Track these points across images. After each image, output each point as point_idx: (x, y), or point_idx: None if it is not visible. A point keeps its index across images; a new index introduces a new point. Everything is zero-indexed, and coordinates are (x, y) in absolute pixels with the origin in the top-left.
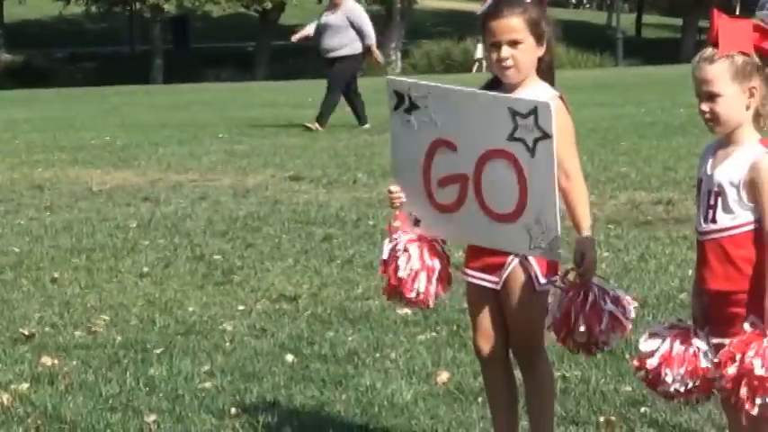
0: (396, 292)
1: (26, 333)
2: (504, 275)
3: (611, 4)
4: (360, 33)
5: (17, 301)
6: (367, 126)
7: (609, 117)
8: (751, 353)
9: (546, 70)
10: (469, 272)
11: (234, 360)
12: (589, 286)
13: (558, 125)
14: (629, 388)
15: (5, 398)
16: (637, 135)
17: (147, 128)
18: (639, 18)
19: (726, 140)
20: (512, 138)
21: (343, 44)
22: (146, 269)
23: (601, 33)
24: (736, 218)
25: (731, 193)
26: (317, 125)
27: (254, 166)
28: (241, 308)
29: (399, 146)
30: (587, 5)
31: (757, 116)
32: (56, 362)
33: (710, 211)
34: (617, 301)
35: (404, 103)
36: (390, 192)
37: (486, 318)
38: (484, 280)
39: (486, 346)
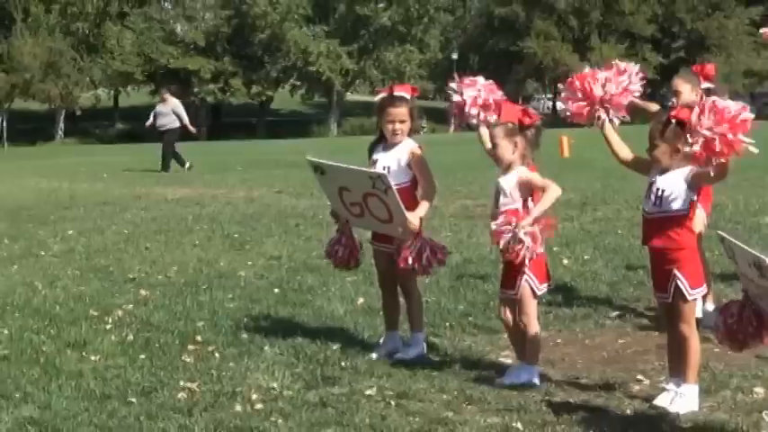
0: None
1: None
2: (395, 245)
3: None
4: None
5: None
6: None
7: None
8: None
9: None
10: (375, 243)
11: None
12: (419, 238)
13: (419, 159)
14: (462, 306)
15: None
16: (468, 168)
17: None
18: None
19: (503, 170)
20: (373, 187)
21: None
22: None
23: None
24: (509, 204)
25: (507, 190)
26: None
27: None
28: None
29: (326, 191)
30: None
31: (522, 156)
32: None
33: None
34: (434, 248)
35: (317, 171)
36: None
37: (383, 267)
38: (384, 247)
39: (385, 281)
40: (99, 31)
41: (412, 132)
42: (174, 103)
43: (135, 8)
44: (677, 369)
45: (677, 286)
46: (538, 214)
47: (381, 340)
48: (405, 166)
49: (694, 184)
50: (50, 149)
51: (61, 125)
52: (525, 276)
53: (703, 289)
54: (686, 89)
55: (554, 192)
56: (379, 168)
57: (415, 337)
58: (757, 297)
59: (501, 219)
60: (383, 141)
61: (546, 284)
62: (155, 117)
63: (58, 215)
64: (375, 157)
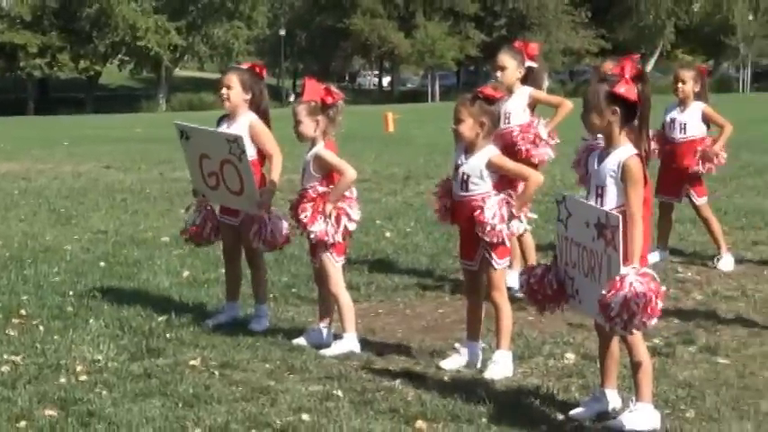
0: (193, 236)
1: None
2: (241, 218)
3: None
4: None
5: None
6: None
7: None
8: None
9: (261, 109)
10: (221, 216)
11: None
12: (265, 214)
13: (259, 131)
14: (285, 278)
15: None
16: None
17: None
18: None
19: (311, 144)
20: (230, 153)
21: None
22: None
23: None
24: (312, 180)
25: (310, 167)
26: None
27: None
28: None
29: (188, 160)
30: None
31: (323, 134)
32: None
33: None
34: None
35: (182, 136)
36: (194, 196)
37: (229, 240)
38: (229, 220)
39: (229, 254)
40: None
41: (251, 105)
42: None
43: None
44: (475, 334)
45: (484, 257)
46: (335, 199)
47: (223, 310)
48: (247, 139)
49: (493, 170)
50: None
51: None
52: (324, 251)
53: (508, 260)
54: (512, 65)
55: (348, 177)
56: (230, 135)
57: (261, 309)
58: (572, 264)
59: (306, 210)
60: (227, 117)
61: (343, 257)
62: None
63: None
64: (222, 128)
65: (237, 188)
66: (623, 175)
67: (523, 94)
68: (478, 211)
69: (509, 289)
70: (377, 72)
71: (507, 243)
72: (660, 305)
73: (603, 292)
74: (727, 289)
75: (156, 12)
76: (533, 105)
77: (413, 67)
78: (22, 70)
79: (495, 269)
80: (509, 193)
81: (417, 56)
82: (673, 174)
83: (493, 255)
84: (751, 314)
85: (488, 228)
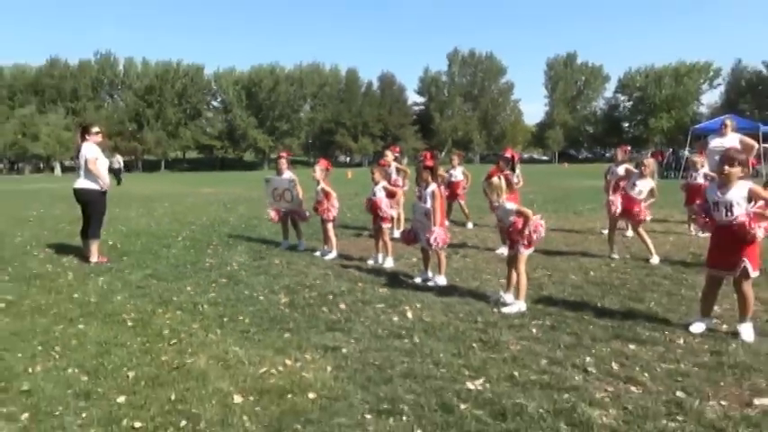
0: (272, 220)
1: None
2: (289, 209)
3: None
4: None
5: None
6: None
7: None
8: None
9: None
10: (282, 206)
11: None
12: (299, 209)
13: (296, 180)
14: (311, 230)
15: None
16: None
17: None
18: None
19: (317, 184)
20: (288, 185)
21: None
22: None
23: None
24: (319, 197)
25: (320, 191)
26: None
27: None
28: None
29: (267, 190)
30: None
31: (325, 178)
32: None
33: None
34: (304, 213)
35: (266, 181)
36: (268, 209)
37: (285, 216)
38: (286, 209)
39: (283, 221)
40: (177, 130)
41: (288, 168)
42: (117, 157)
43: (189, 121)
44: (377, 250)
45: (379, 223)
46: (332, 203)
47: (282, 243)
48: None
49: (386, 190)
50: (158, 175)
51: (163, 164)
52: (330, 222)
53: (389, 224)
54: (389, 155)
55: (333, 194)
56: (288, 178)
57: (301, 242)
58: (419, 228)
59: (323, 210)
60: (279, 173)
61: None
62: (110, 164)
63: (160, 198)
64: (281, 177)
65: (290, 199)
66: (433, 194)
67: (393, 165)
68: (380, 203)
69: (393, 239)
70: (345, 155)
71: (388, 218)
72: (448, 240)
73: (428, 236)
74: (470, 235)
75: (264, 132)
76: (398, 171)
77: (358, 154)
78: (214, 154)
79: (383, 227)
80: (391, 200)
81: (359, 150)
82: (452, 194)
83: (384, 223)
84: (479, 243)
85: (383, 210)
